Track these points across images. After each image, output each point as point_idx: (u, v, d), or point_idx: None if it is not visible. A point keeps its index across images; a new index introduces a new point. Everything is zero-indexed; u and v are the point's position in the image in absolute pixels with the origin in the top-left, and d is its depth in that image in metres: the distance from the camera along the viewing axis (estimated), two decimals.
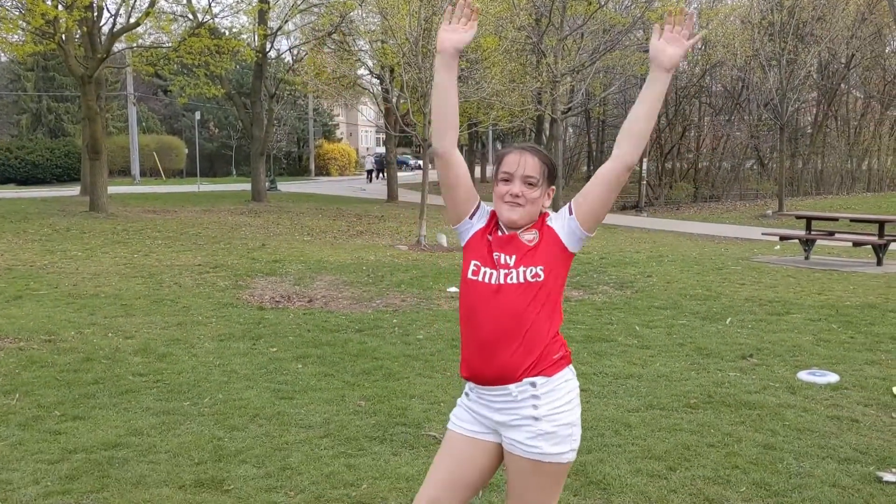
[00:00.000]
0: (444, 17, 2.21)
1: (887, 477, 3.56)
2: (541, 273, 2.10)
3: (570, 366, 2.18)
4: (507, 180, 2.15)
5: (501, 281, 2.11)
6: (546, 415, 2.07)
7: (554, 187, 2.23)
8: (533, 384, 2.08)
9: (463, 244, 2.26)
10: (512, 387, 2.08)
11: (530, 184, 2.13)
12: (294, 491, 3.42)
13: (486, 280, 2.13)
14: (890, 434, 4.16)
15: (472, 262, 2.17)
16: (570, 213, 2.15)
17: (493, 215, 2.25)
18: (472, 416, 2.19)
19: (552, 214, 2.21)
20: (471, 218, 2.25)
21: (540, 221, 2.19)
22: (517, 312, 2.08)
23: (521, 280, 2.09)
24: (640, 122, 2.10)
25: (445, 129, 2.20)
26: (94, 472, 3.56)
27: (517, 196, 2.13)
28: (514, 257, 2.13)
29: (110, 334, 6.30)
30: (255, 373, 5.26)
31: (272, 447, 3.91)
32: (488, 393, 2.13)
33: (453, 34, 2.18)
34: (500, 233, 2.20)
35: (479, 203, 2.27)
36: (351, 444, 3.96)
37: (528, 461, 2.07)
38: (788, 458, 3.82)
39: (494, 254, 2.15)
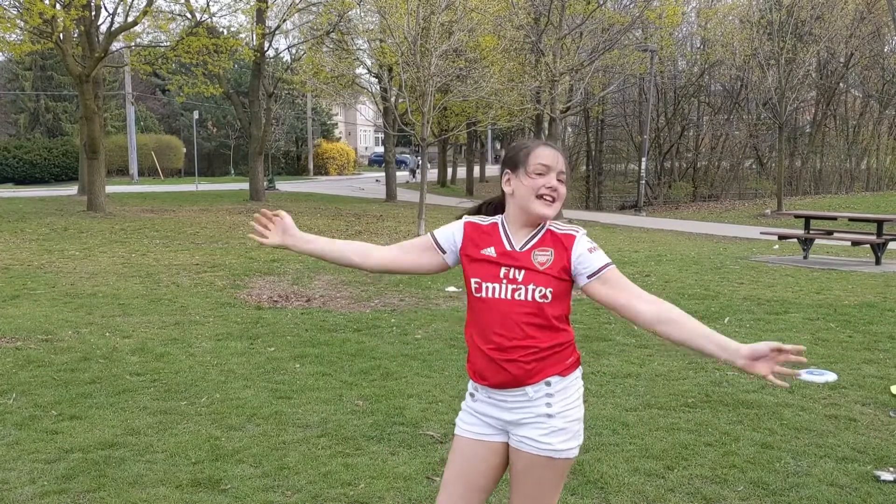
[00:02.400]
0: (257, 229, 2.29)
1: (885, 476, 3.56)
2: (549, 295, 2.07)
3: (580, 366, 2.19)
4: (543, 173, 2.08)
5: (508, 296, 2.07)
6: (559, 412, 2.08)
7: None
8: (548, 383, 2.08)
9: (457, 265, 2.22)
10: (528, 388, 2.08)
11: (561, 181, 2.11)
12: (291, 490, 3.41)
13: (491, 295, 2.09)
14: (887, 433, 4.16)
15: (473, 280, 2.14)
16: (589, 277, 2.07)
17: (470, 227, 2.18)
18: (478, 418, 2.18)
19: (578, 242, 2.10)
20: (444, 251, 2.20)
21: (557, 239, 2.11)
22: (529, 326, 2.06)
23: (530, 298, 2.06)
24: (671, 331, 2.03)
25: (357, 262, 2.27)
26: (91, 472, 3.55)
27: (554, 190, 2.08)
28: (522, 273, 2.08)
29: (107, 334, 6.29)
30: (252, 372, 5.26)
31: (269, 447, 3.90)
32: (500, 394, 2.12)
33: (272, 238, 2.27)
34: (508, 246, 2.12)
35: (435, 237, 2.22)
36: (348, 444, 3.95)
37: (540, 458, 2.08)
38: (786, 457, 3.81)
39: (502, 268, 2.10)
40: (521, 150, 2.14)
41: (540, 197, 2.08)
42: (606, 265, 2.09)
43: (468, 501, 2.16)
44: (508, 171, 2.15)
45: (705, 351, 2.02)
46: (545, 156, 2.10)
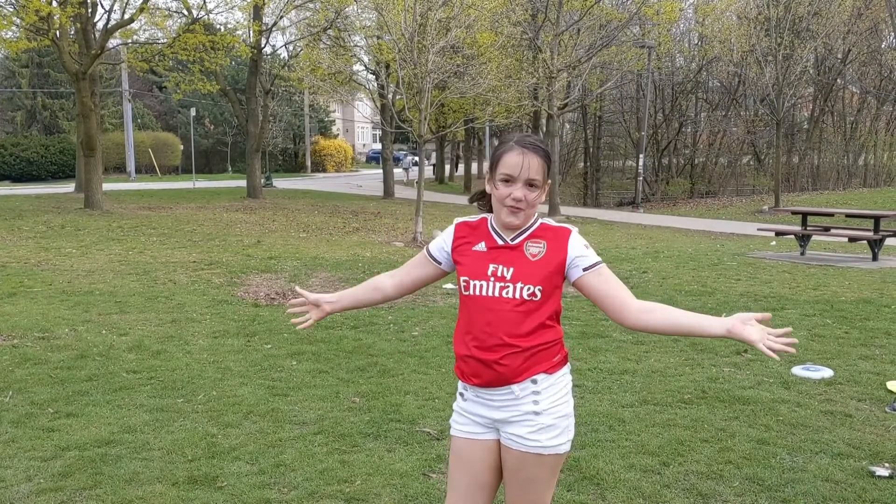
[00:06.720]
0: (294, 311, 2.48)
1: (880, 471, 3.57)
2: (538, 293, 2.07)
3: (568, 363, 2.20)
4: (508, 181, 2.08)
5: (496, 294, 2.08)
6: (546, 409, 2.09)
7: (550, 181, 2.20)
8: (534, 381, 2.09)
9: (454, 269, 2.25)
10: (514, 386, 2.09)
11: (533, 186, 2.08)
12: (287, 487, 3.41)
13: (479, 293, 2.10)
14: (883, 429, 4.17)
15: (462, 279, 2.16)
16: (585, 269, 2.10)
17: (462, 228, 2.22)
18: (468, 417, 2.20)
19: (574, 236, 2.13)
20: (439, 262, 2.27)
21: (552, 233, 2.13)
22: (515, 324, 2.07)
23: (518, 296, 2.07)
24: (661, 327, 2.10)
25: (380, 298, 2.40)
26: (87, 469, 3.55)
27: (519, 200, 2.07)
28: (511, 270, 2.08)
29: (104, 331, 6.28)
30: (249, 370, 5.26)
31: (266, 444, 3.90)
32: (488, 393, 2.13)
33: (313, 317, 2.45)
34: (499, 240, 2.14)
35: (429, 250, 2.29)
36: (345, 441, 3.95)
37: (529, 455, 2.09)
38: (782, 452, 3.82)
39: (491, 265, 2.11)
40: (497, 153, 2.15)
41: (507, 207, 2.10)
42: (600, 262, 2.14)
43: (475, 500, 2.18)
44: (490, 171, 2.18)
45: (693, 328, 2.06)
46: (510, 164, 2.08)
